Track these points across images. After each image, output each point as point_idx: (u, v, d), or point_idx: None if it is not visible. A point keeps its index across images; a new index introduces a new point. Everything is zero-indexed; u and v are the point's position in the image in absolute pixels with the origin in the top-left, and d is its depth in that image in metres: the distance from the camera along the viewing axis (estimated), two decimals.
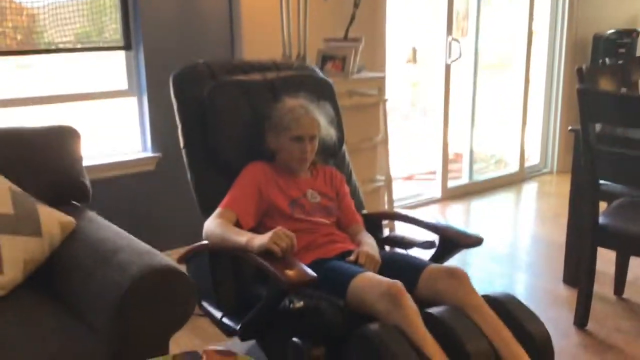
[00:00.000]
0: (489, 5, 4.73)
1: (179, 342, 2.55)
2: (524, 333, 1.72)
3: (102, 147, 3.07)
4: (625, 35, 4.95)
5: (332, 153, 2.33)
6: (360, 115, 3.38)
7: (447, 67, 4.37)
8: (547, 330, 1.75)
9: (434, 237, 2.17)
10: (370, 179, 3.49)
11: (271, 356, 2.06)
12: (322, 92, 2.36)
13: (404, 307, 1.67)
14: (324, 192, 2.19)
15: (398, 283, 1.71)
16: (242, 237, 1.86)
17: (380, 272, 1.87)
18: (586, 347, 2.57)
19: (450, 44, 4.29)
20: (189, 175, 2.19)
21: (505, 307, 1.78)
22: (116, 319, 1.65)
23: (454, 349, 1.64)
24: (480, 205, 4.51)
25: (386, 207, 3.65)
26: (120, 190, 2.99)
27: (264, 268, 1.75)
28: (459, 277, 1.81)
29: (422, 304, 1.74)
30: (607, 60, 4.06)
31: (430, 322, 1.68)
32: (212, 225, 1.98)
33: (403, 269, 1.90)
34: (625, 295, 3.01)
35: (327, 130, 2.20)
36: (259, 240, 1.79)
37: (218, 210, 2.03)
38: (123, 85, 3.03)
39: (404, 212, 2.29)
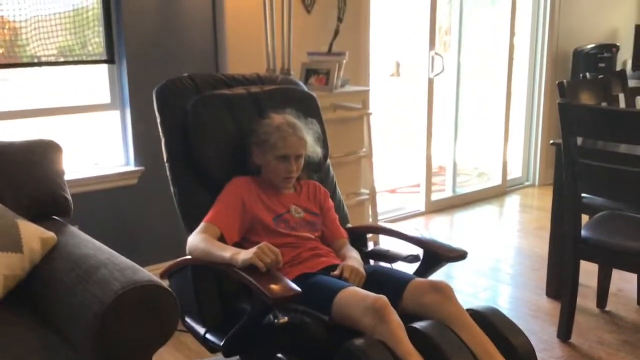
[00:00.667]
0: (471, 21, 4.78)
1: (162, 358, 2.52)
2: (508, 346, 1.72)
3: (85, 161, 3.05)
4: (605, 49, 5.03)
5: (316, 169, 2.33)
6: (344, 128, 3.39)
7: (430, 81, 4.41)
8: (530, 344, 1.75)
9: (418, 251, 2.17)
10: (354, 192, 3.50)
11: None
12: (307, 107, 2.36)
13: (389, 322, 1.66)
14: (308, 208, 2.18)
15: (383, 297, 1.71)
16: (226, 252, 1.84)
17: (365, 287, 1.87)
18: (569, 359, 2.58)
19: (432, 58, 4.33)
20: (172, 189, 2.17)
21: (489, 320, 1.78)
22: (98, 336, 1.62)
23: None
24: (463, 218, 4.53)
25: (370, 220, 3.65)
26: (103, 205, 2.97)
27: (247, 283, 1.74)
28: (444, 291, 1.81)
29: (407, 317, 1.74)
30: (587, 74, 4.11)
31: (415, 336, 1.67)
32: (195, 240, 1.96)
33: (387, 283, 1.89)
34: (607, 308, 3.03)
35: (314, 148, 2.20)
36: (243, 255, 1.78)
37: (202, 224, 2.01)
38: (106, 99, 3.01)
39: (388, 225, 2.29)
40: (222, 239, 1.99)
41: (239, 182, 2.10)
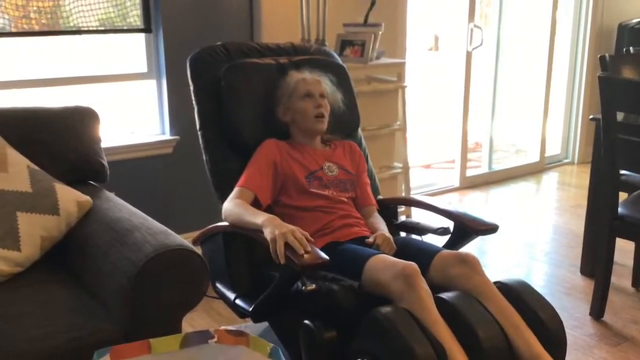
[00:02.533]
0: None
1: (193, 324, 2.58)
2: (536, 320, 1.70)
3: (122, 130, 3.10)
4: None
5: (347, 131, 2.33)
6: (378, 101, 3.36)
7: (469, 55, 4.33)
8: (559, 318, 1.73)
9: (449, 224, 2.16)
10: (387, 165, 3.48)
11: (283, 338, 2.07)
12: (336, 77, 2.36)
13: (418, 289, 1.66)
14: (342, 165, 2.19)
15: (413, 264, 1.71)
16: (258, 219, 1.85)
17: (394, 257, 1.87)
18: (601, 337, 2.55)
19: (471, 31, 4.25)
20: (204, 157, 2.20)
21: (517, 293, 1.76)
22: (129, 297, 1.67)
23: (466, 334, 1.63)
24: (499, 194, 4.47)
25: (403, 194, 3.63)
26: (139, 173, 3.02)
27: None
28: (471, 263, 1.80)
29: (434, 289, 1.74)
30: (631, 49, 3.98)
31: (442, 306, 1.67)
32: (230, 205, 1.99)
33: (415, 254, 1.89)
34: None
35: (334, 95, 2.23)
36: (269, 230, 1.75)
37: (236, 189, 2.03)
38: (143, 68, 3.05)
39: (418, 197, 2.27)
40: (256, 201, 2.01)
41: (269, 144, 2.12)
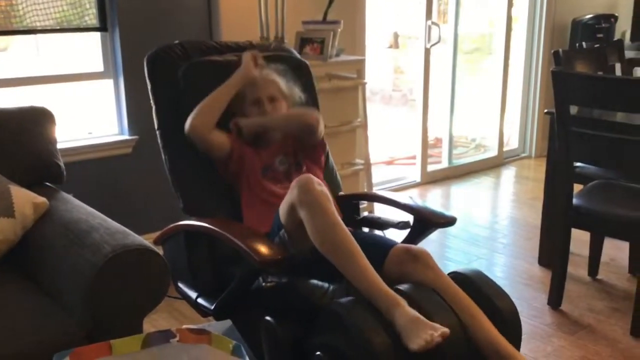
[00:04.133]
0: None
1: (156, 324, 2.56)
2: (492, 308, 1.73)
3: (79, 130, 3.05)
4: (603, 19, 4.99)
5: None
6: (339, 98, 3.38)
7: (427, 52, 4.38)
8: (514, 305, 1.76)
9: (409, 218, 2.18)
10: (349, 162, 3.50)
11: (247, 336, 2.06)
12: (300, 74, 2.36)
13: (313, 192, 1.71)
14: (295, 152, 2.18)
15: (306, 174, 1.80)
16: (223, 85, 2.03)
17: None
18: (559, 326, 2.61)
19: (429, 28, 4.30)
20: (163, 157, 2.18)
21: (473, 282, 1.79)
22: (89, 299, 1.65)
23: None
24: (459, 189, 4.54)
25: (365, 190, 3.66)
26: (98, 174, 2.97)
27: (237, 247, 1.75)
28: (423, 259, 1.80)
29: (391, 283, 1.76)
30: (584, 44, 4.09)
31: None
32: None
33: (371, 249, 1.90)
34: (599, 276, 3.06)
35: (291, 90, 2.22)
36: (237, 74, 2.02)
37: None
38: (99, 67, 3.00)
39: (379, 192, 2.29)
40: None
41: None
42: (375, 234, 2.14)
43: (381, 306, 1.62)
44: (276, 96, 2.16)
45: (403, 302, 1.62)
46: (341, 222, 1.72)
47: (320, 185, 1.75)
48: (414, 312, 1.59)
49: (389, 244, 1.92)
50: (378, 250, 1.89)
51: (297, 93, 2.26)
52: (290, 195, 1.76)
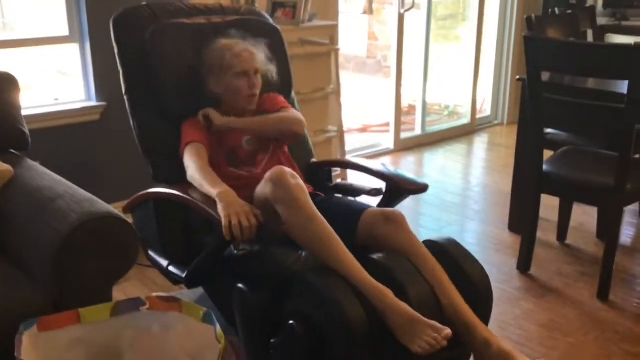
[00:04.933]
0: None
1: (127, 292, 2.54)
2: (463, 275, 1.75)
3: (44, 97, 2.97)
4: None
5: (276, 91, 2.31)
6: (312, 65, 3.34)
7: (401, 17, 4.34)
8: (485, 272, 1.79)
9: (382, 185, 2.18)
10: (322, 129, 3.48)
11: (218, 304, 2.06)
12: (271, 40, 2.31)
13: (289, 187, 1.71)
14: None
15: (280, 167, 1.78)
16: (214, 189, 1.79)
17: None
18: (527, 290, 2.66)
19: None
20: (131, 123, 2.13)
21: (445, 250, 1.80)
22: (56, 267, 1.62)
23: (396, 292, 1.66)
24: (432, 156, 4.56)
25: (338, 158, 3.65)
26: (64, 141, 2.91)
27: (208, 216, 1.73)
28: (396, 220, 1.82)
29: (363, 248, 1.76)
30: (557, 10, 4.09)
31: (371, 267, 1.69)
32: (193, 167, 1.93)
33: (343, 215, 1.90)
34: (567, 241, 3.11)
35: (267, 66, 2.17)
36: (220, 207, 1.71)
37: (190, 146, 2.00)
38: (64, 31, 2.91)
39: (351, 159, 2.29)
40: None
41: (192, 121, 2.07)
42: (349, 199, 2.14)
43: (367, 297, 1.62)
44: (259, 70, 2.10)
45: (390, 294, 1.62)
46: (318, 214, 1.71)
47: (294, 178, 1.74)
48: (409, 310, 1.59)
49: (362, 207, 1.92)
50: (352, 213, 1.89)
51: (273, 69, 2.21)
52: (264, 189, 1.75)
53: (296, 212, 1.69)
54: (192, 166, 1.93)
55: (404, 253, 1.76)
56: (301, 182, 1.76)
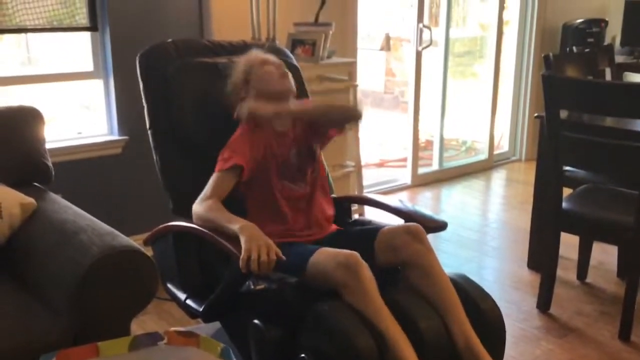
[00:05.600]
0: None
1: (144, 326, 2.54)
2: (477, 311, 1.74)
3: (68, 130, 3.03)
4: (593, 24, 5.01)
5: None
6: (330, 100, 3.37)
7: (418, 54, 4.39)
8: (497, 307, 1.78)
9: (400, 222, 2.18)
10: (340, 164, 3.50)
11: (235, 338, 2.05)
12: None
13: (361, 278, 1.67)
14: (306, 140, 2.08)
15: (355, 254, 1.71)
16: (234, 224, 1.75)
17: (339, 242, 1.88)
18: (548, 329, 2.62)
19: (421, 30, 4.31)
20: (154, 157, 2.17)
21: (457, 285, 1.80)
22: (76, 300, 1.63)
23: (408, 326, 1.66)
24: (450, 191, 4.55)
25: (356, 192, 3.66)
26: (87, 174, 2.95)
27: (226, 250, 1.74)
28: (415, 232, 1.83)
29: (379, 265, 1.78)
30: (574, 48, 4.11)
31: (385, 301, 1.69)
32: (201, 208, 1.86)
33: (360, 236, 1.90)
34: (587, 280, 3.07)
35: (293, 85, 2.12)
36: (242, 242, 1.68)
37: (213, 178, 1.92)
38: (89, 67, 2.98)
39: (370, 196, 2.29)
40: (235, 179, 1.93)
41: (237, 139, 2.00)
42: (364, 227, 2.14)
43: None
44: (292, 89, 2.06)
45: None
46: (385, 307, 1.67)
47: (368, 270, 1.69)
48: None
49: (377, 227, 1.95)
50: (368, 233, 1.91)
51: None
52: (333, 270, 1.69)
53: (364, 303, 1.66)
54: (202, 206, 1.87)
55: (419, 266, 1.78)
56: (372, 275, 1.70)
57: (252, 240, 1.66)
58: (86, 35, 2.95)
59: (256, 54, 2.09)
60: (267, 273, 1.65)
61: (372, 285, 1.68)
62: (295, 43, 3.29)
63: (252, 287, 1.78)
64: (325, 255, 1.76)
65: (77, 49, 3.04)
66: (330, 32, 3.28)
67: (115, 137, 3.03)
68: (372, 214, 3.03)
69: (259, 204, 2.02)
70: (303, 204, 2.04)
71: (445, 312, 1.72)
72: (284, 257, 1.66)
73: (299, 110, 2.03)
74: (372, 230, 1.93)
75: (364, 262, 1.70)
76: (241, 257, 1.63)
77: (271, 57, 2.09)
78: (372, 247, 1.87)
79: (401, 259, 1.82)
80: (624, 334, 2.53)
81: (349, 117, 2.09)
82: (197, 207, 1.89)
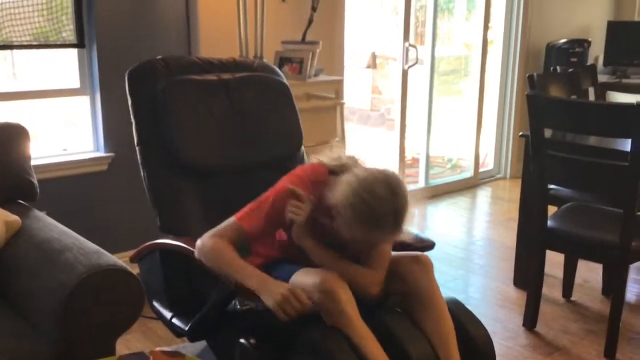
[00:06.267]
0: (447, 15, 4.81)
1: (129, 345, 2.52)
2: (467, 336, 1.75)
3: (53, 147, 3.00)
4: (577, 44, 5.09)
5: (291, 149, 2.32)
6: (317, 118, 3.38)
7: (404, 73, 4.42)
8: (488, 334, 1.78)
9: None
10: None
11: (220, 358, 2.04)
12: (280, 96, 2.37)
13: (339, 302, 1.62)
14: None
15: (333, 275, 1.65)
16: (249, 281, 1.66)
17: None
18: (534, 347, 2.62)
19: (407, 49, 4.34)
20: (142, 174, 2.15)
21: (451, 312, 1.80)
22: (61, 319, 1.62)
23: (397, 351, 1.65)
24: (436, 209, 4.57)
25: None
26: (72, 191, 2.93)
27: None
28: (424, 263, 1.80)
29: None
30: (558, 68, 4.16)
31: (373, 323, 1.68)
32: (212, 244, 1.75)
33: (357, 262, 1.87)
34: (573, 298, 3.08)
35: None
36: (265, 295, 1.62)
37: (229, 222, 1.79)
38: (75, 83, 2.97)
39: None
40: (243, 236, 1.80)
41: (283, 195, 1.77)
42: None
43: None
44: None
45: None
46: (368, 330, 1.64)
47: (346, 293, 1.63)
48: None
49: None
50: None
51: None
52: (311, 293, 1.63)
53: (344, 326, 1.63)
54: (213, 242, 1.75)
55: (423, 298, 1.76)
56: (351, 296, 1.65)
57: (274, 296, 1.60)
58: (73, 52, 2.94)
59: (383, 233, 1.67)
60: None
61: (351, 307, 1.63)
62: (282, 61, 3.30)
63: (239, 306, 1.77)
64: (304, 277, 1.70)
65: (64, 65, 3.03)
66: (318, 50, 3.30)
67: (102, 153, 3.01)
68: None
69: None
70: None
71: (438, 345, 1.70)
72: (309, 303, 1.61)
73: (322, 263, 1.77)
74: None
75: (342, 283, 1.65)
76: (275, 312, 1.59)
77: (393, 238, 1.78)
78: None
79: (404, 289, 1.78)
80: (610, 352, 2.55)
81: (364, 292, 1.76)
82: (207, 241, 1.77)
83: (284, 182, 1.81)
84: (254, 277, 1.68)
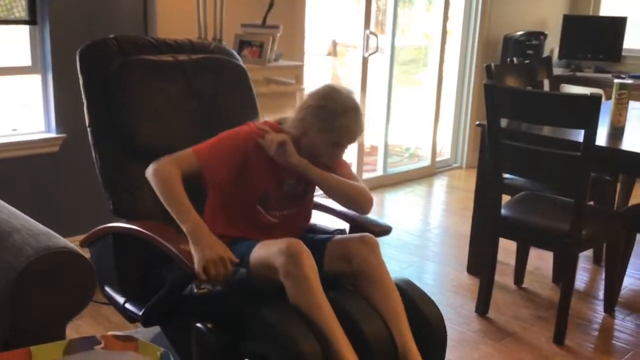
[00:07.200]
0: (407, 5, 4.82)
1: (80, 330, 2.47)
2: (419, 315, 1.77)
3: (2, 127, 2.91)
4: (533, 36, 5.18)
5: None
6: (276, 103, 3.34)
7: (365, 61, 4.43)
8: (440, 312, 1.80)
9: (345, 226, 2.19)
10: None
11: (176, 343, 2.02)
12: (237, 79, 2.33)
13: (302, 266, 1.64)
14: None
15: (297, 241, 1.69)
16: (185, 223, 1.70)
17: None
18: (486, 333, 2.68)
19: (367, 37, 4.35)
20: (94, 155, 2.10)
21: (402, 291, 1.81)
22: (8, 303, 1.56)
23: (352, 329, 1.66)
24: (393, 197, 4.61)
25: None
26: (22, 172, 2.84)
27: (169, 252, 1.71)
28: (370, 243, 1.82)
29: (330, 271, 1.79)
30: (515, 59, 4.24)
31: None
32: (165, 171, 1.78)
33: (311, 241, 1.89)
34: (524, 285, 3.15)
35: None
36: (195, 251, 1.65)
37: (185, 152, 1.83)
38: (26, 61, 2.88)
39: (315, 199, 2.28)
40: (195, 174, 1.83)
41: (247, 137, 1.87)
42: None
43: None
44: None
45: None
46: (327, 302, 1.66)
47: (310, 259, 1.67)
48: None
49: (327, 238, 1.93)
50: (319, 240, 1.89)
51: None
52: (275, 258, 1.66)
53: (306, 295, 1.64)
54: (166, 169, 1.78)
55: (371, 277, 1.77)
56: (314, 264, 1.68)
57: (204, 251, 1.64)
58: (24, 29, 2.84)
59: (347, 128, 1.85)
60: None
61: (313, 273, 1.65)
62: (242, 44, 3.26)
63: (195, 290, 1.75)
64: (266, 246, 1.74)
65: (15, 43, 2.93)
66: (278, 35, 3.27)
67: (53, 134, 2.93)
68: (317, 218, 3.03)
69: (222, 210, 1.94)
70: (278, 225, 1.97)
71: (389, 321, 1.72)
72: (237, 260, 1.65)
73: (320, 180, 1.91)
74: (322, 240, 1.90)
75: (306, 249, 1.67)
76: (196, 270, 1.62)
77: (351, 143, 1.92)
78: (322, 256, 1.85)
79: (353, 269, 1.80)
80: (559, 338, 2.61)
81: (359, 207, 1.98)
82: (161, 167, 1.79)
83: (244, 126, 1.91)
84: (191, 222, 1.71)
